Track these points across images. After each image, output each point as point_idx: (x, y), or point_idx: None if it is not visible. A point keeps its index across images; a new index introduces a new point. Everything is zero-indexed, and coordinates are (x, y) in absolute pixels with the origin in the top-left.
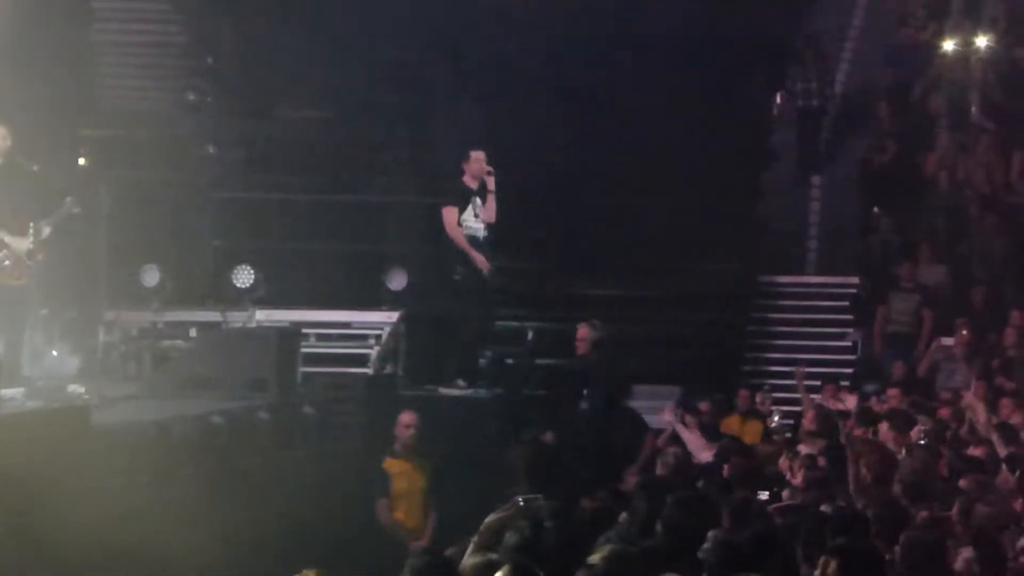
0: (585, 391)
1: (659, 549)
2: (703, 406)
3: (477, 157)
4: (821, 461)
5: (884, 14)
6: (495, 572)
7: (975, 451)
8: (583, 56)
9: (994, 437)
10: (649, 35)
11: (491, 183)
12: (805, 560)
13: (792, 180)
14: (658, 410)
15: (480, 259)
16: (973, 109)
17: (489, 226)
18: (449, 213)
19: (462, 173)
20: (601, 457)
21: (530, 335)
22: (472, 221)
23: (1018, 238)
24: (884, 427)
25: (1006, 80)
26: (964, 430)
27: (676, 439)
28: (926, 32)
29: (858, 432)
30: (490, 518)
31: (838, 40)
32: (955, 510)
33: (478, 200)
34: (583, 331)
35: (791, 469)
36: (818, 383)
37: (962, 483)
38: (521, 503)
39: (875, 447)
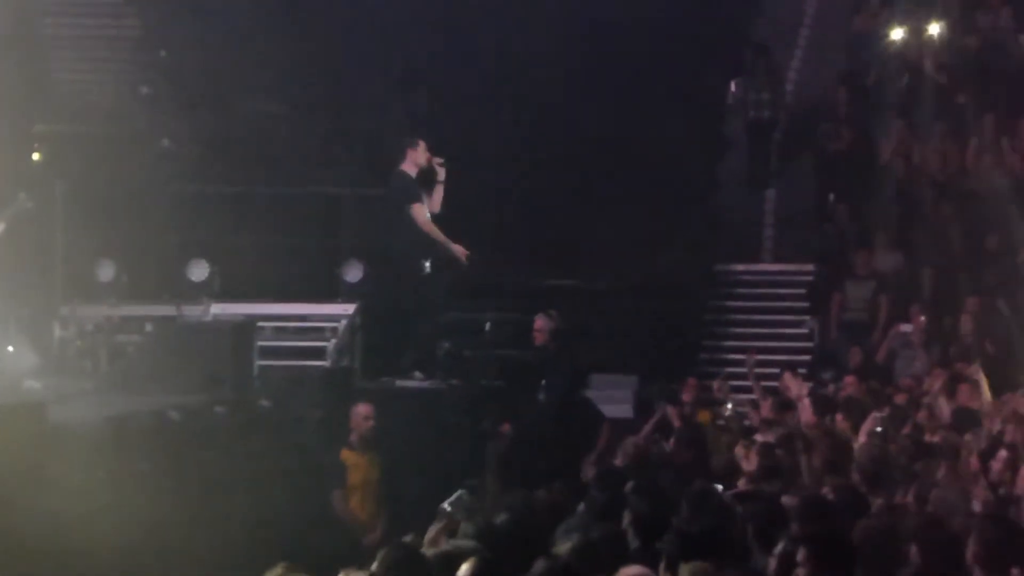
0: (543, 382)
1: (622, 539)
2: (686, 396)
3: (423, 146)
4: (778, 450)
5: (838, 1)
6: (458, 563)
7: (932, 438)
8: (538, 46)
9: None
10: (604, 24)
11: (441, 174)
12: (760, 548)
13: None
14: (613, 399)
15: (459, 248)
16: (926, 96)
17: (434, 216)
18: (419, 210)
19: (402, 159)
20: (558, 448)
21: (488, 326)
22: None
23: (972, 225)
24: (840, 415)
25: (958, 67)
26: (922, 415)
27: (663, 427)
28: (879, 19)
29: (814, 420)
30: (428, 535)
31: (793, 28)
32: (911, 496)
33: (435, 191)
34: (540, 322)
35: (746, 458)
36: (776, 371)
37: (918, 467)
38: (448, 508)
39: (828, 435)
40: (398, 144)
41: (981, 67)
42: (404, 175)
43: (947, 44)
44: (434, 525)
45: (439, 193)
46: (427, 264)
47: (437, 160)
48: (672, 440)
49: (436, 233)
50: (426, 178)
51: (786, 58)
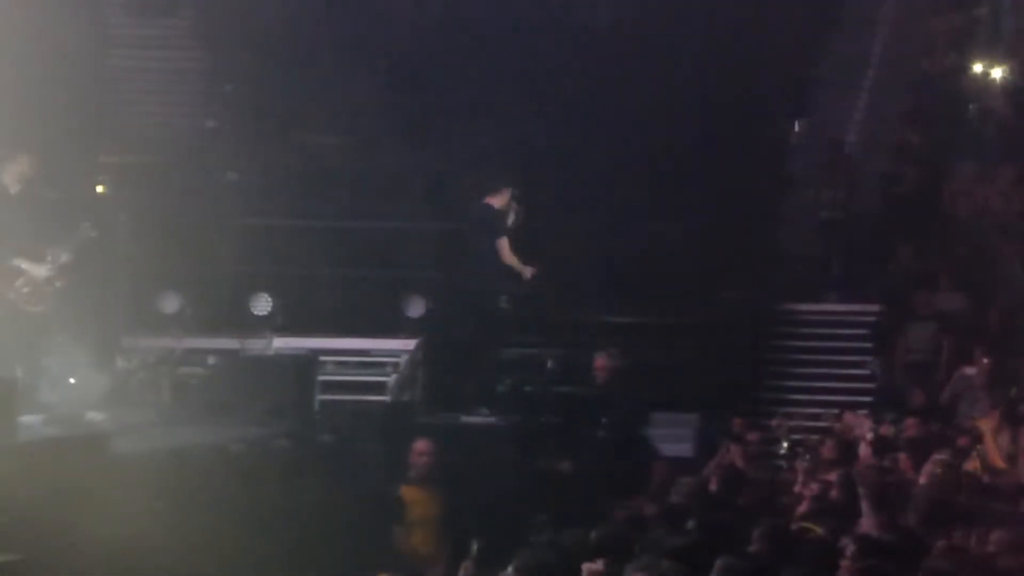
0: (603, 420)
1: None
2: (752, 436)
3: (509, 194)
4: (834, 491)
5: (906, 42)
6: None
7: (993, 479)
8: (603, 81)
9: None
10: (669, 59)
11: (517, 222)
12: None
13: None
14: (674, 438)
15: (526, 269)
16: (991, 137)
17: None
18: (504, 244)
19: (484, 196)
20: (616, 486)
21: (550, 363)
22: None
23: None
24: (903, 456)
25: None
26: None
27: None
28: (947, 60)
29: (874, 461)
30: None
31: (859, 68)
32: (973, 539)
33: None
34: (601, 360)
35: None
36: (836, 411)
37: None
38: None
39: (888, 476)
40: (481, 183)
41: None
42: (489, 208)
43: (1013, 85)
44: None
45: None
46: (504, 299)
47: (517, 211)
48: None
49: (516, 263)
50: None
51: (852, 98)
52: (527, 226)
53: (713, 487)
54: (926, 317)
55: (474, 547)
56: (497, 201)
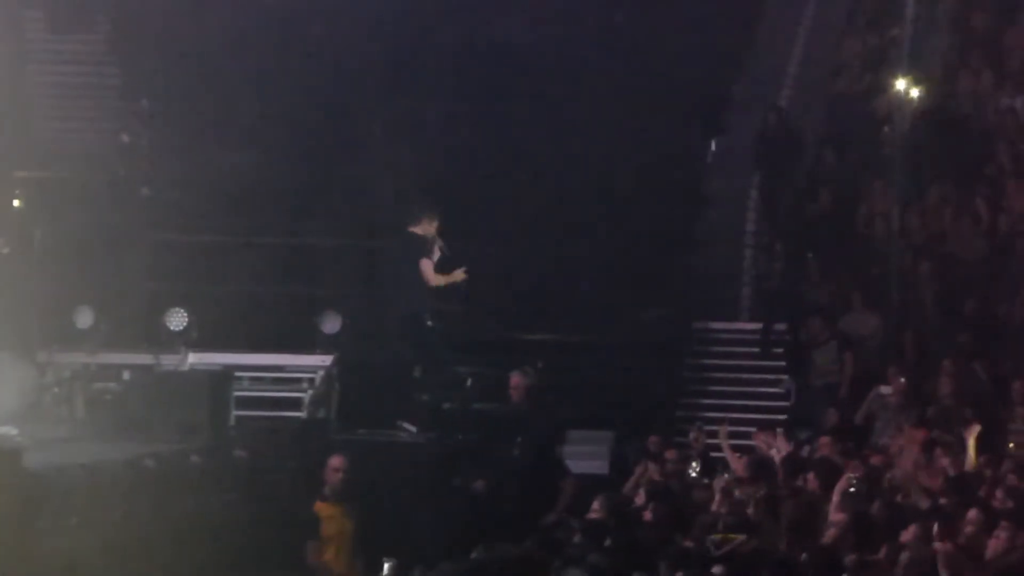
0: (518, 439)
1: None
2: (669, 453)
3: (436, 225)
4: (749, 509)
5: (819, 64)
6: None
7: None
8: (521, 101)
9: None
10: (584, 81)
11: (438, 253)
12: None
13: (727, 228)
14: (590, 455)
15: (457, 273)
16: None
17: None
18: (426, 264)
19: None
20: (529, 504)
21: (469, 381)
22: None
23: (950, 286)
24: (811, 475)
25: (937, 129)
26: (895, 475)
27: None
28: (861, 81)
29: (786, 480)
30: None
31: (774, 88)
32: (883, 553)
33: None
34: (516, 379)
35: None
36: (751, 429)
37: (904, 536)
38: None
39: (798, 495)
40: (417, 210)
41: (961, 129)
42: (415, 236)
43: (928, 106)
44: None
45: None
46: (428, 319)
47: (439, 244)
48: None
49: (440, 280)
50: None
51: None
52: (451, 252)
53: (639, 502)
54: (823, 342)
55: (386, 566)
56: (421, 229)
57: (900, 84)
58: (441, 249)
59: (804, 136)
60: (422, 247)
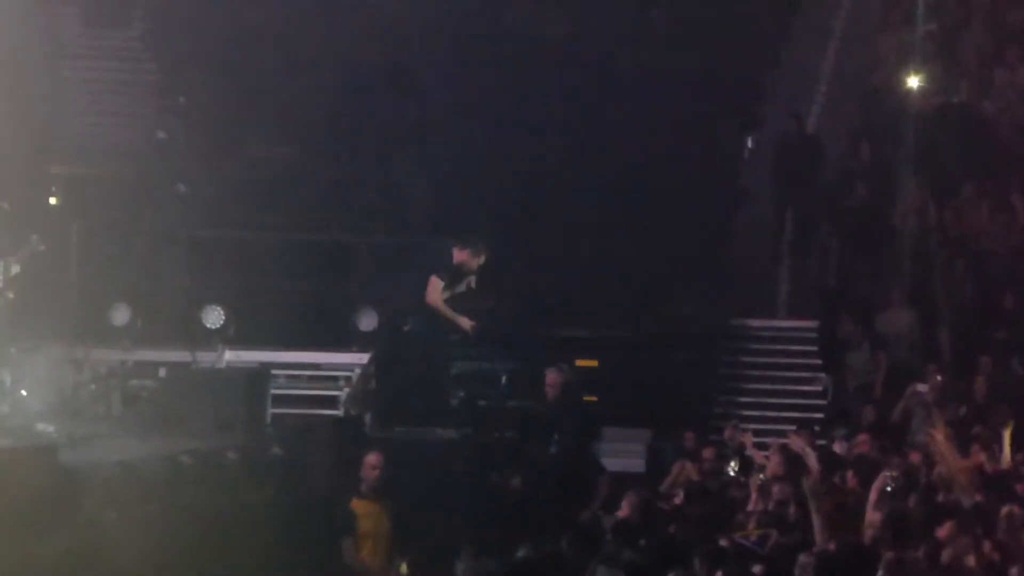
0: (554, 436)
1: None
2: (707, 451)
3: (480, 260)
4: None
5: (855, 58)
6: None
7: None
8: (555, 96)
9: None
10: (620, 74)
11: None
12: None
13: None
14: (626, 453)
15: (464, 320)
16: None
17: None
18: (435, 283)
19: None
20: (563, 502)
21: (504, 378)
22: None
23: (986, 282)
24: (850, 473)
25: (974, 124)
26: (936, 473)
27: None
28: (897, 74)
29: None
30: None
31: (810, 82)
32: (921, 552)
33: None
34: (552, 376)
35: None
36: (789, 428)
37: (940, 533)
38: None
39: (836, 492)
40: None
41: (996, 124)
42: (448, 254)
43: (963, 101)
44: None
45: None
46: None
47: (471, 280)
48: (685, 494)
49: (442, 307)
50: (458, 276)
51: (803, 112)
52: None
53: (676, 500)
54: (857, 344)
55: (403, 565)
56: (465, 257)
57: (935, 79)
58: (469, 285)
59: (823, 145)
60: (442, 265)
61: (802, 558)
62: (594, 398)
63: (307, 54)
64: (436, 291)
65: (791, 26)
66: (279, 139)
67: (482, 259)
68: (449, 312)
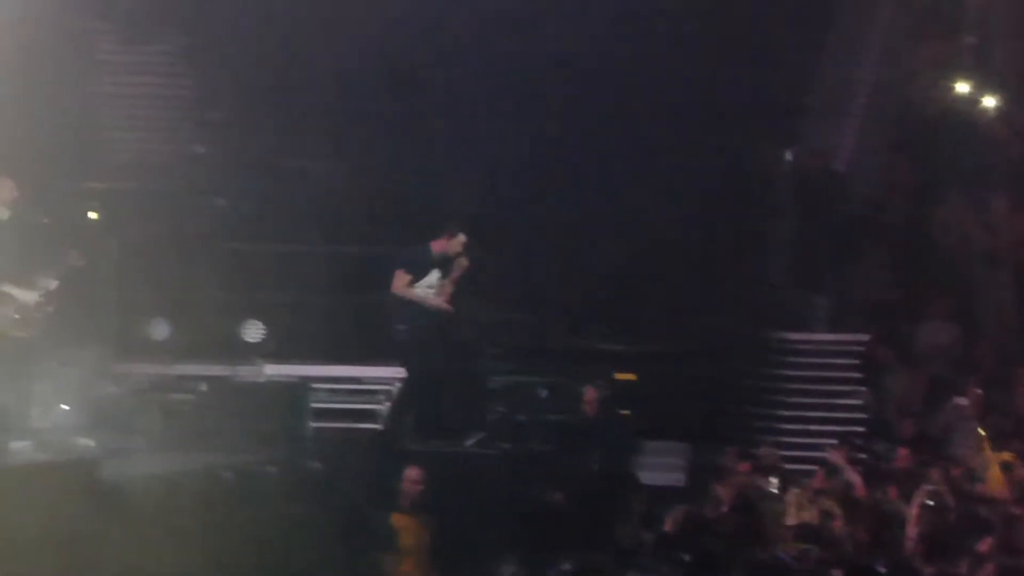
0: (593, 450)
1: None
2: (745, 466)
3: (460, 239)
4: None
5: (893, 69)
6: None
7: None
8: (592, 110)
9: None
10: (658, 92)
11: (458, 271)
12: None
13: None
14: (666, 467)
15: (437, 301)
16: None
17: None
18: (399, 276)
19: (432, 238)
20: (601, 516)
21: (544, 393)
22: (425, 292)
23: None
24: (892, 487)
25: (1012, 138)
26: (976, 488)
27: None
28: (936, 89)
29: (865, 492)
30: None
31: (848, 96)
32: (964, 567)
33: (436, 274)
34: (591, 393)
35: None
36: (831, 441)
37: (982, 547)
38: None
39: (877, 506)
40: (444, 222)
41: None
42: (421, 249)
43: (1002, 113)
44: None
45: (449, 287)
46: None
47: (463, 261)
48: (724, 508)
49: (408, 293)
50: (446, 266)
51: (840, 126)
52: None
53: (716, 514)
54: (910, 362)
55: None
56: (450, 245)
57: (973, 91)
58: (462, 266)
59: (847, 182)
60: (409, 258)
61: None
62: (628, 412)
63: (344, 68)
64: (401, 282)
65: (827, 39)
66: (317, 152)
67: (462, 239)
68: (416, 294)
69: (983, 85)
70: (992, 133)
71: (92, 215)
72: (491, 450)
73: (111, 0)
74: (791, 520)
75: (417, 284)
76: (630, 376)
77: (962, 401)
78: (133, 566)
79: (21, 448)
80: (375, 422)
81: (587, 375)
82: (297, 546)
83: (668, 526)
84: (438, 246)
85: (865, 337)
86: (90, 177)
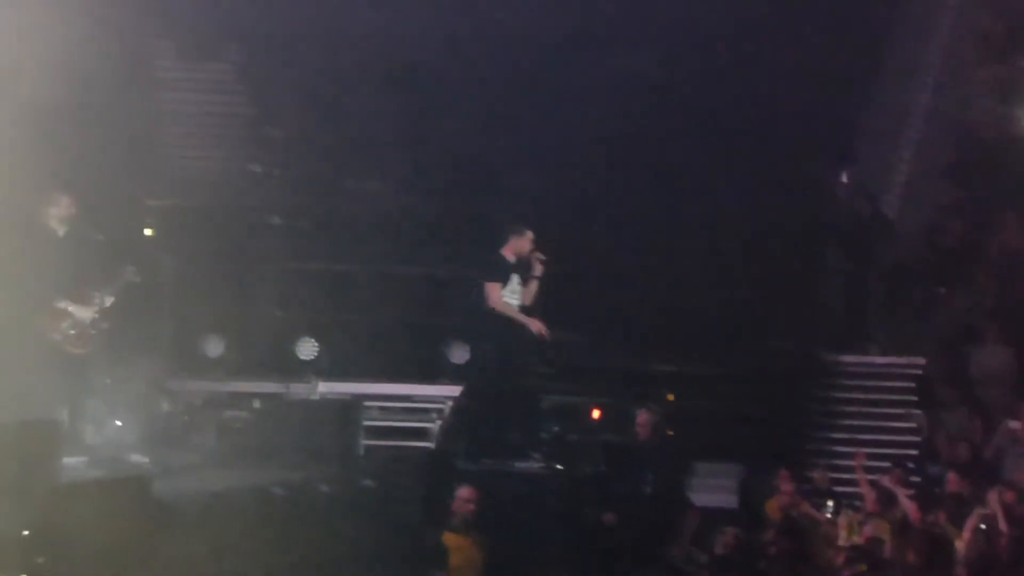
0: (645, 471)
1: None
2: (795, 486)
3: (529, 236)
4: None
5: (950, 93)
6: None
7: None
8: (648, 132)
9: None
10: (710, 108)
11: (539, 270)
12: None
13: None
14: (719, 488)
15: (535, 323)
16: None
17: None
18: (492, 288)
19: (503, 244)
20: (653, 536)
21: (596, 413)
22: (510, 298)
23: None
24: (942, 512)
25: None
26: None
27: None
28: (993, 111)
29: (917, 516)
30: None
31: (904, 117)
32: None
33: (516, 278)
34: (643, 417)
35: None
36: (883, 464)
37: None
38: None
39: (929, 531)
40: (505, 228)
41: None
42: (498, 257)
43: None
44: None
45: (534, 288)
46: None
47: (538, 256)
48: (776, 530)
49: (507, 309)
50: (523, 268)
51: (896, 148)
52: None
53: (768, 536)
54: (969, 403)
55: None
56: (521, 246)
57: None
58: (542, 262)
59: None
60: (495, 269)
61: None
62: (671, 432)
63: (402, 87)
64: (496, 294)
65: (884, 61)
66: (372, 172)
67: (530, 235)
68: (516, 313)
69: None
70: None
71: (148, 232)
72: (544, 470)
73: (171, 17)
74: (842, 543)
75: (503, 294)
76: (678, 397)
77: (1016, 425)
78: None
79: (75, 464)
80: (428, 440)
81: (640, 397)
82: (349, 564)
83: (719, 548)
84: (509, 250)
85: (920, 360)
86: (147, 194)
